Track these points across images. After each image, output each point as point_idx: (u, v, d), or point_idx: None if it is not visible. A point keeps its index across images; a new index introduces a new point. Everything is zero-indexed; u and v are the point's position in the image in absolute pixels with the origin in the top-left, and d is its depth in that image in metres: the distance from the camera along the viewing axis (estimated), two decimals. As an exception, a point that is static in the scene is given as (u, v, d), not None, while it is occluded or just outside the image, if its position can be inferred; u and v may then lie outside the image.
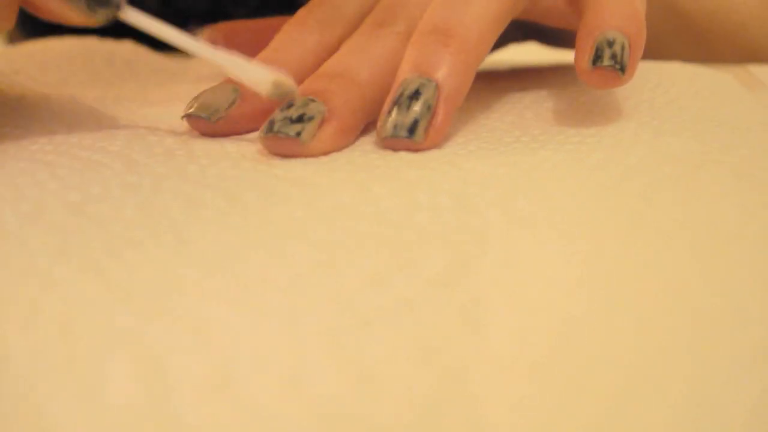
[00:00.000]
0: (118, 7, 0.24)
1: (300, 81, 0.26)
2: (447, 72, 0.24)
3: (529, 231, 0.19)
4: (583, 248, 0.18)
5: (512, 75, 0.34)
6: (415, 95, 0.24)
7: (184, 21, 0.40)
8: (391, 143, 0.24)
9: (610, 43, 0.25)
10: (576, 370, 0.14)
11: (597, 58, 0.25)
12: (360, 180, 0.22)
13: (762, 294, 0.17)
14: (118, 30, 0.42)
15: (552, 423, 0.13)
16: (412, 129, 0.24)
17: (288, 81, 0.24)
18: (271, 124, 0.24)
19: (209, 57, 0.25)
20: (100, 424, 0.13)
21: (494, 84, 0.32)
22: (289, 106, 0.24)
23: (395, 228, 0.19)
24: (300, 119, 0.24)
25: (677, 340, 0.15)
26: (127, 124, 0.27)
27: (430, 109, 0.24)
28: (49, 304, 0.16)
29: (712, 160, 0.23)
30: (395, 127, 0.24)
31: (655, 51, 0.40)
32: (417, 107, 0.24)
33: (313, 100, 0.24)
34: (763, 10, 0.41)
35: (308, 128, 0.24)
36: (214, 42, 0.34)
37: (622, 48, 0.25)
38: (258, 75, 0.25)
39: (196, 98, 0.27)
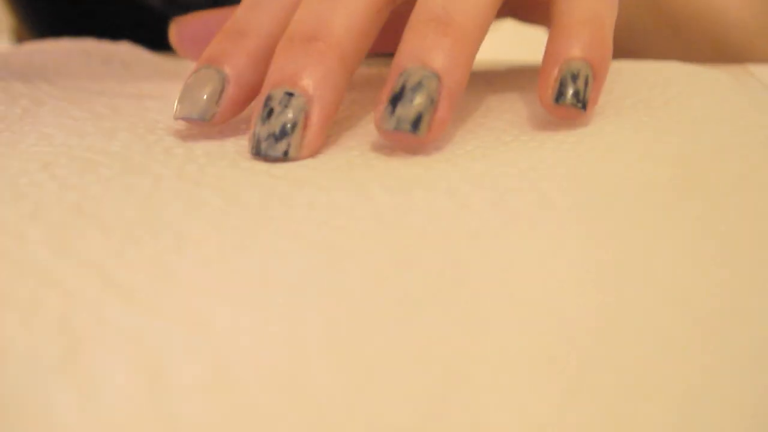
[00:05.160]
0: None
1: (276, 42, 0.25)
2: (448, 63, 0.24)
3: (528, 230, 0.19)
4: (582, 247, 0.18)
5: (510, 74, 0.34)
6: (418, 87, 0.24)
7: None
8: (392, 136, 0.24)
9: (574, 77, 0.25)
10: (576, 370, 0.14)
11: (560, 95, 0.25)
12: (358, 179, 0.22)
13: (763, 293, 0.17)
14: (115, 32, 0.42)
15: (552, 423, 0.13)
16: (415, 123, 0.23)
17: None
18: (258, 144, 0.24)
19: None
20: (99, 423, 0.13)
21: (492, 83, 0.32)
22: (270, 113, 0.24)
23: (394, 228, 0.19)
24: (283, 132, 0.23)
25: (677, 339, 0.15)
26: (126, 124, 0.27)
27: (433, 102, 0.24)
28: (48, 302, 0.16)
29: (710, 159, 0.23)
30: (398, 120, 0.23)
31: (637, 47, 0.40)
32: (421, 100, 0.23)
33: (290, 95, 0.24)
34: (743, 15, 0.41)
35: (294, 141, 0.23)
36: (181, 36, 0.33)
37: (586, 82, 0.25)
38: None
39: (182, 94, 0.26)
